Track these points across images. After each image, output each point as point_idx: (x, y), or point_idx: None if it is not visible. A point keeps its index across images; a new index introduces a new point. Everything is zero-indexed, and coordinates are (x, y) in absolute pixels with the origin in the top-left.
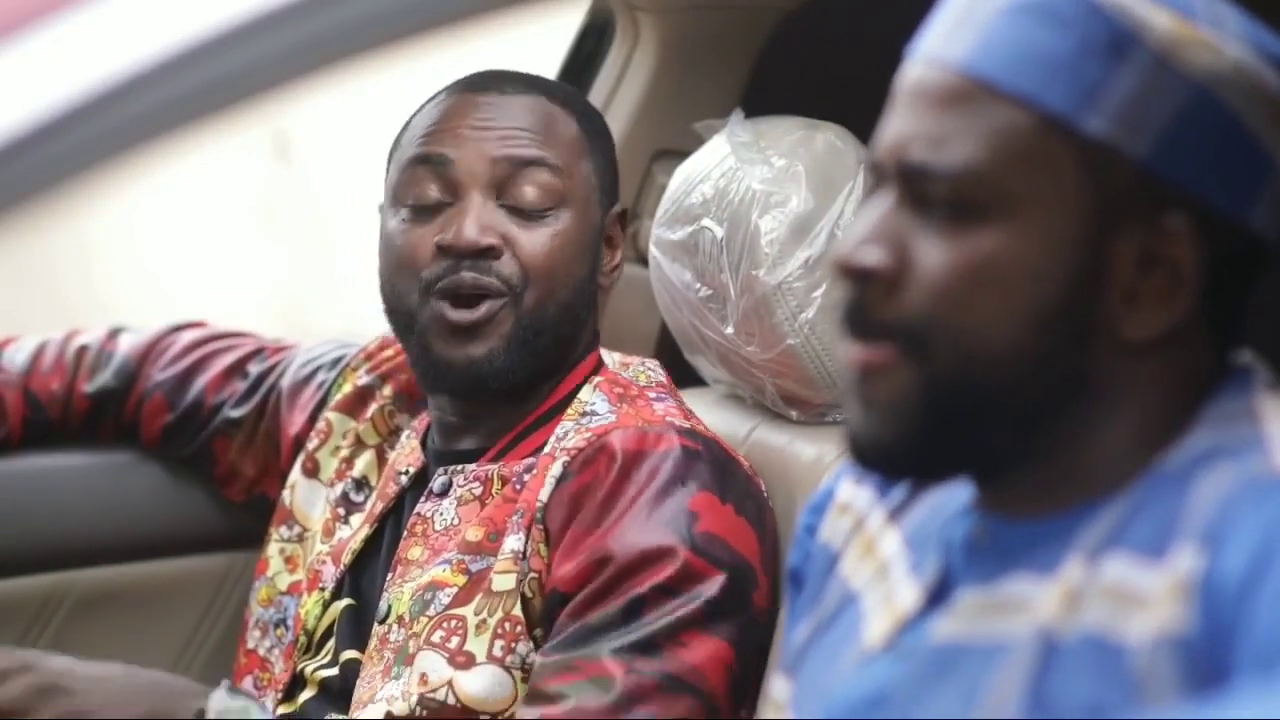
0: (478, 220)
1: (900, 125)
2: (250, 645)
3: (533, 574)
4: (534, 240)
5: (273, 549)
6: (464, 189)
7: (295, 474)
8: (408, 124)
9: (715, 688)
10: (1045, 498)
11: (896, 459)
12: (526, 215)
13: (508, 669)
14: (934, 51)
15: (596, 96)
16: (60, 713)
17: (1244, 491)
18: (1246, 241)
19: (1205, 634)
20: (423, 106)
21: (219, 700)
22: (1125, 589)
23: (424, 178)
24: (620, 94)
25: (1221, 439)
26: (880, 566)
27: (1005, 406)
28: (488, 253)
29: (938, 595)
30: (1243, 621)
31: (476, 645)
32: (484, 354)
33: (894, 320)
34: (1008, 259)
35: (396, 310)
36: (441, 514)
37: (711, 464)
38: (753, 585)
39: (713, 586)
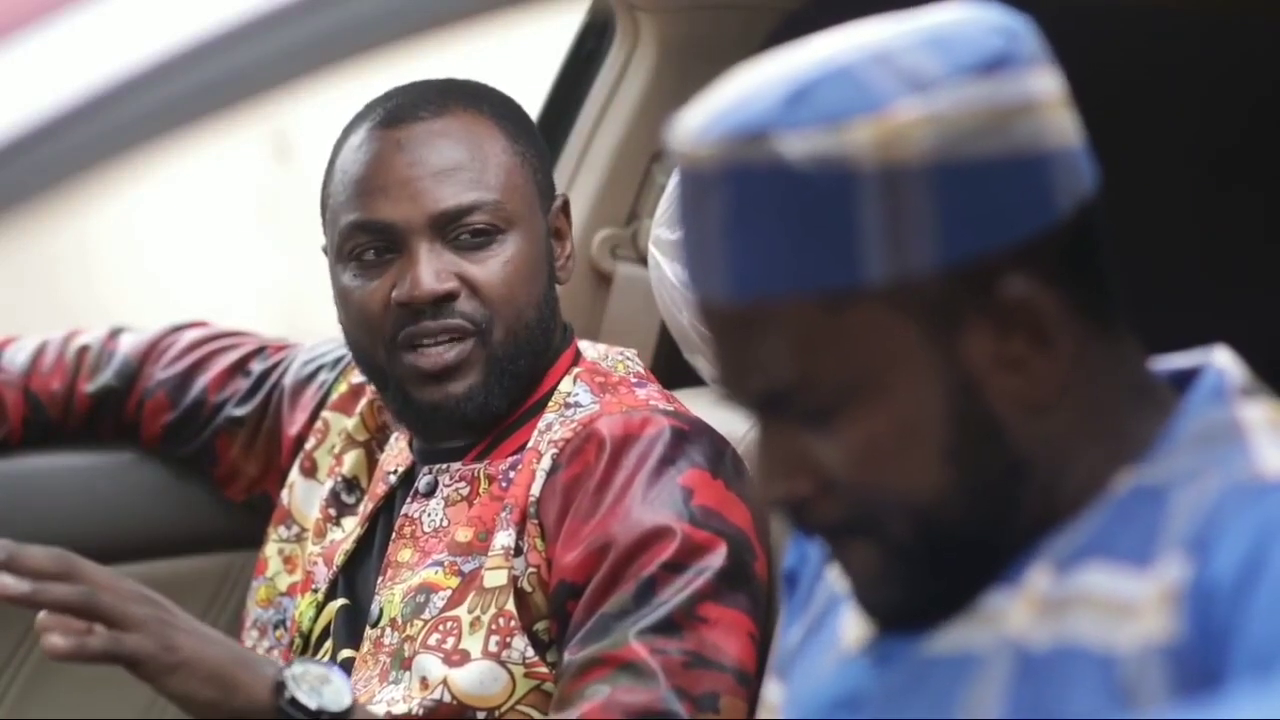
0: (430, 268)
1: (725, 362)
2: (248, 645)
3: (531, 569)
4: (488, 273)
5: (271, 549)
6: (408, 242)
7: (294, 473)
8: (335, 162)
9: (741, 659)
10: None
11: (909, 612)
12: (475, 248)
13: (503, 663)
14: (703, 289)
15: (596, 96)
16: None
17: (1229, 497)
18: (1069, 236)
19: (1195, 641)
20: (346, 138)
21: (299, 664)
22: (1111, 598)
23: (365, 241)
24: (620, 94)
25: (1207, 457)
26: None
27: (973, 526)
28: (447, 297)
29: None
30: (1237, 624)
31: (471, 643)
32: (464, 391)
33: (839, 518)
34: (887, 427)
35: (366, 365)
36: (429, 515)
37: (699, 443)
38: (753, 556)
39: (718, 557)
